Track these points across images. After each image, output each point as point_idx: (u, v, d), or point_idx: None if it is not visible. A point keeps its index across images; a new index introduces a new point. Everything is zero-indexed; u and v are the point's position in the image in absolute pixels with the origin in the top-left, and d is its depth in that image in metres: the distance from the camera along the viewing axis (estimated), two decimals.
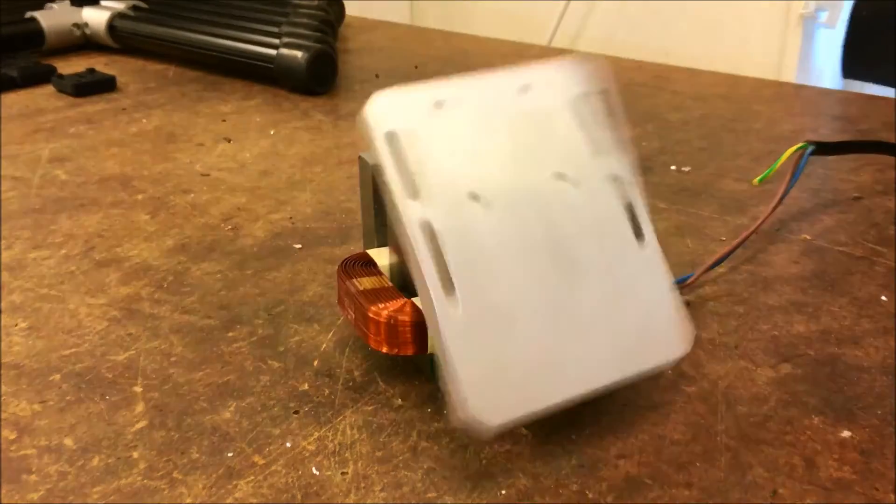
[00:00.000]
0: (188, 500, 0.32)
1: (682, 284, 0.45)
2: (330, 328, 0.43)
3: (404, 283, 0.39)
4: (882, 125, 0.72)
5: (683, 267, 0.48)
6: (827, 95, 0.84)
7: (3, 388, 0.38)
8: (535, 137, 0.34)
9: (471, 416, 0.29)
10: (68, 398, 0.38)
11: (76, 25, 0.99)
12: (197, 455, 0.34)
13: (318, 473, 0.33)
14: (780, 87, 0.87)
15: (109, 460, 0.34)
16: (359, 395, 0.38)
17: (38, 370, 0.40)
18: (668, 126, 0.73)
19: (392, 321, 0.35)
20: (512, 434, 0.35)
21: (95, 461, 0.34)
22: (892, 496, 0.32)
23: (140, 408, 0.37)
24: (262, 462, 0.34)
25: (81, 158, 0.67)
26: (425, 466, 0.33)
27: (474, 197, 0.32)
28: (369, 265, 0.40)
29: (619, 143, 0.35)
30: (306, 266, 0.49)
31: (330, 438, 0.35)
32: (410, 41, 1.07)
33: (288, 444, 0.35)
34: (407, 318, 0.35)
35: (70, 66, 0.91)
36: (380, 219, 0.41)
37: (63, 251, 0.51)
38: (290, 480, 0.33)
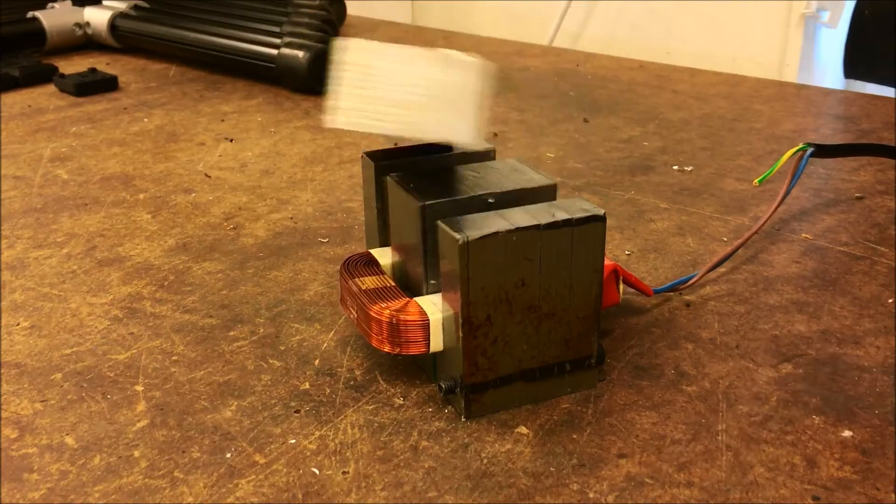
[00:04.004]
0: (189, 499, 0.32)
1: (684, 285, 0.45)
2: (331, 327, 0.43)
3: (406, 282, 0.39)
4: (883, 125, 0.72)
5: (685, 266, 0.48)
6: (828, 95, 0.84)
7: (5, 386, 0.39)
8: None
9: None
10: (69, 397, 0.38)
11: (78, 25, 0.99)
12: (198, 454, 0.34)
13: (318, 472, 0.33)
14: (781, 86, 0.87)
15: (111, 459, 0.34)
16: (360, 395, 0.38)
17: (40, 369, 0.40)
18: (669, 125, 0.73)
19: (394, 320, 0.35)
20: (513, 434, 0.35)
21: (97, 460, 0.34)
22: (893, 496, 0.32)
23: (141, 407, 0.37)
24: (263, 461, 0.34)
25: (83, 158, 0.67)
26: (426, 466, 0.33)
27: None
28: (372, 264, 0.40)
29: None
30: (307, 265, 0.49)
31: (331, 437, 0.35)
32: (412, 41, 1.07)
33: (290, 443, 0.35)
34: (409, 318, 0.35)
35: (71, 66, 0.92)
36: (382, 218, 0.41)
37: (64, 250, 0.52)
38: (290, 479, 0.33)
